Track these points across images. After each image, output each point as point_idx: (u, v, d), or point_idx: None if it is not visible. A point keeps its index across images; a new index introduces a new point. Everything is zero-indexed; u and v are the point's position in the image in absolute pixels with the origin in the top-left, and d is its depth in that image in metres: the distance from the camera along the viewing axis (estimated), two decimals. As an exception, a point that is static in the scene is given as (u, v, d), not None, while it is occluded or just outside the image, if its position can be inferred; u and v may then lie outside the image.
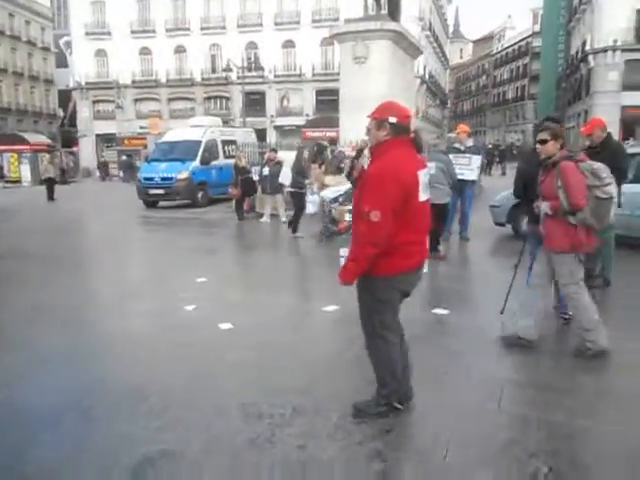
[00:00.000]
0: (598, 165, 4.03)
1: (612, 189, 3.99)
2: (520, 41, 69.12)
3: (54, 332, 5.04)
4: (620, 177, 5.24)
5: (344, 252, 7.62)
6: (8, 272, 7.80)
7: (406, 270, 3.07)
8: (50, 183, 20.62)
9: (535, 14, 65.50)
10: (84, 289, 6.88)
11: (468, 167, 9.04)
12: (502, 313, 4.96)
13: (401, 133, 3.03)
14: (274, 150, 12.95)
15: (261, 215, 12.91)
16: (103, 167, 37.08)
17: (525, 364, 4.19)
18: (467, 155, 9.08)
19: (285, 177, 11.50)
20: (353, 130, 15.04)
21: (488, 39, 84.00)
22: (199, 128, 17.63)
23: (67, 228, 13.33)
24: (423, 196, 3.05)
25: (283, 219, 12.31)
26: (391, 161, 2.95)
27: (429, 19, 45.83)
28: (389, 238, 2.90)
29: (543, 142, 4.13)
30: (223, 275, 7.56)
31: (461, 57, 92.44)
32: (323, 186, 11.73)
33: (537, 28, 64.04)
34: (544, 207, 4.14)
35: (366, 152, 3.33)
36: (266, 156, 12.75)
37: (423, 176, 3.07)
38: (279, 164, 12.38)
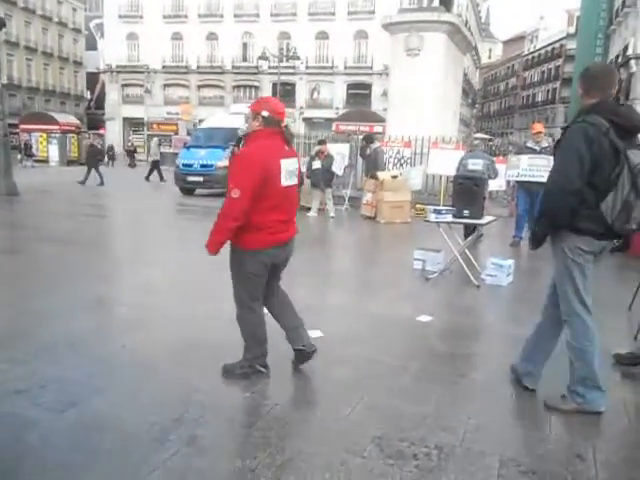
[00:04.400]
0: None
1: None
2: (553, 43, 67.68)
3: (114, 334, 4.57)
4: None
5: (419, 254, 7.15)
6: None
7: (272, 244, 3.45)
8: (155, 165, 21.74)
9: (570, 15, 64.08)
10: (140, 287, 6.42)
11: (547, 168, 8.43)
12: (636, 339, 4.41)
13: (271, 125, 3.39)
14: (323, 142, 12.42)
15: (307, 209, 12.41)
16: (128, 153, 36.11)
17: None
18: (544, 156, 8.47)
19: (338, 167, 11.09)
20: (402, 124, 14.51)
21: (519, 39, 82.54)
22: (240, 115, 17.11)
23: (107, 214, 12.96)
24: (285, 182, 3.43)
25: (331, 214, 11.82)
26: (257, 148, 3.34)
27: (465, 16, 44.89)
28: (247, 213, 3.28)
29: None
30: (289, 274, 6.96)
31: (489, 57, 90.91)
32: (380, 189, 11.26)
33: (572, 30, 62.71)
34: None
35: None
36: (316, 149, 12.22)
37: (288, 164, 3.43)
38: (330, 157, 11.89)
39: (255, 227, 3.35)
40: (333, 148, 12.75)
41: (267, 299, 3.79)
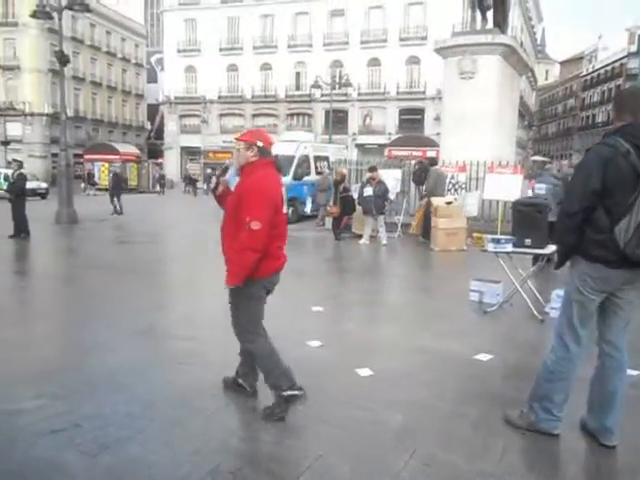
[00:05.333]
0: None
1: None
2: (614, 62, 65.49)
3: (158, 370, 4.42)
4: None
5: (476, 286, 6.74)
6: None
7: (274, 271, 3.54)
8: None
9: (631, 34, 62.03)
10: (191, 318, 6.30)
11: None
12: None
13: (265, 155, 3.46)
14: (374, 169, 12.19)
15: (359, 236, 12.16)
16: (189, 181, 36.92)
17: None
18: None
19: (391, 192, 10.93)
20: (456, 149, 14.11)
21: (577, 60, 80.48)
22: (292, 143, 17.20)
23: (161, 241, 13.15)
24: (284, 209, 3.56)
25: (384, 241, 11.52)
26: (263, 178, 3.39)
27: (520, 38, 44.10)
28: (266, 244, 3.32)
29: None
30: (339, 304, 6.81)
31: (546, 78, 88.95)
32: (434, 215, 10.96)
33: (633, 48, 60.59)
34: None
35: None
36: (367, 175, 12.01)
37: (283, 192, 3.56)
38: (382, 184, 11.66)
39: (266, 255, 3.38)
40: (385, 174, 12.52)
41: None
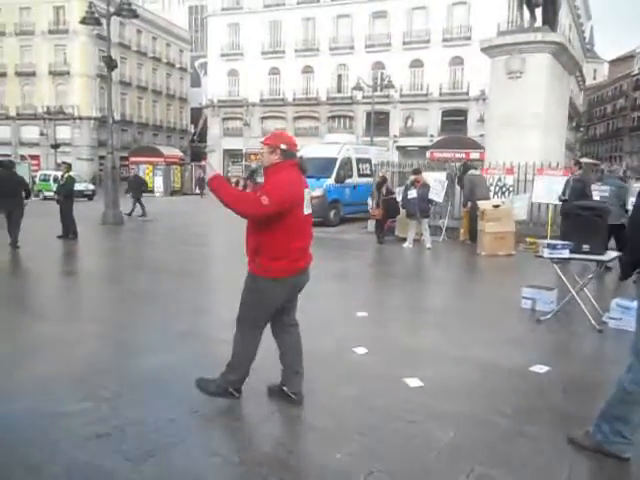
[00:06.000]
0: None
1: None
2: (668, 60, 62.90)
3: (202, 373, 4.33)
4: None
5: (528, 292, 6.45)
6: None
7: (294, 273, 3.51)
8: None
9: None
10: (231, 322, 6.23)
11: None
12: None
13: (289, 157, 3.50)
14: (418, 171, 11.93)
15: (402, 239, 11.92)
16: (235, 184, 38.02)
17: None
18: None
19: (437, 194, 10.67)
20: (502, 151, 13.69)
21: (628, 59, 77.63)
22: (335, 145, 17.09)
23: (206, 243, 13.23)
24: (306, 210, 3.54)
25: (428, 245, 11.26)
26: (286, 178, 3.41)
27: (569, 36, 42.81)
28: (257, 221, 3.39)
29: None
30: (384, 309, 6.64)
31: (594, 78, 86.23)
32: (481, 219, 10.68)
33: (689, 46, 58.07)
34: None
35: None
36: (411, 178, 11.77)
37: (306, 194, 3.55)
38: (427, 186, 11.40)
39: (279, 256, 3.42)
40: (430, 176, 12.25)
41: (280, 332, 3.77)
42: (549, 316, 5.93)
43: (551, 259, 5.73)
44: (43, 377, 4.15)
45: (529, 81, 13.89)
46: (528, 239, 10.58)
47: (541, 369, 4.43)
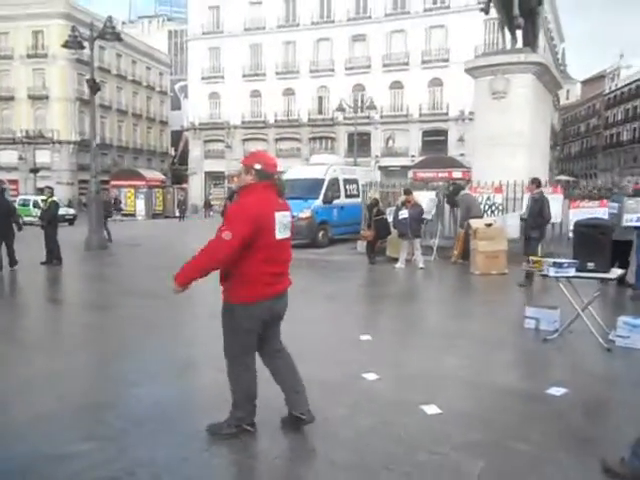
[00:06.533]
0: None
1: None
2: (637, 80, 64.75)
3: (208, 406, 4.14)
4: None
5: (532, 312, 6.38)
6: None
7: (264, 298, 3.37)
8: None
9: (656, 51, 61.37)
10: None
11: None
12: None
13: (264, 179, 3.37)
14: (409, 192, 11.91)
15: (394, 259, 11.84)
16: (209, 207, 38.88)
17: None
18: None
19: (428, 211, 10.75)
20: (489, 169, 13.78)
21: (599, 79, 79.82)
22: (321, 166, 17.05)
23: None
24: (279, 235, 3.37)
25: (420, 265, 11.18)
26: (252, 201, 3.31)
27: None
28: (231, 260, 3.24)
29: None
30: (388, 332, 6.50)
31: (567, 98, 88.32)
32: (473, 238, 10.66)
33: (659, 66, 59.92)
34: None
35: None
36: (401, 198, 11.74)
37: (281, 217, 3.39)
38: (418, 206, 11.38)
39: (249, 280, 3.31)
40: (420, 196, 12.26)
41: (269, 359, 3.66)
42: (555, 335, 5.85)
43: (557, 278, 5.67)
44: (40, 415, 3.91)
45: (513, 101, 14.05)
46: (532, 258, 10.56)
47: (557, 391, 4.31)
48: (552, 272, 5.56)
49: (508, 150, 13.69)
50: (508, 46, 15.71)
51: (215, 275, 3.40)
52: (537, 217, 9.28)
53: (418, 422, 3.78)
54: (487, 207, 12.86)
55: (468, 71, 15.24)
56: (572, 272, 5.53)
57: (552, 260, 5.71)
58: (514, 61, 14.18)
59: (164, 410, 3.99)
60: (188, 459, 3.26)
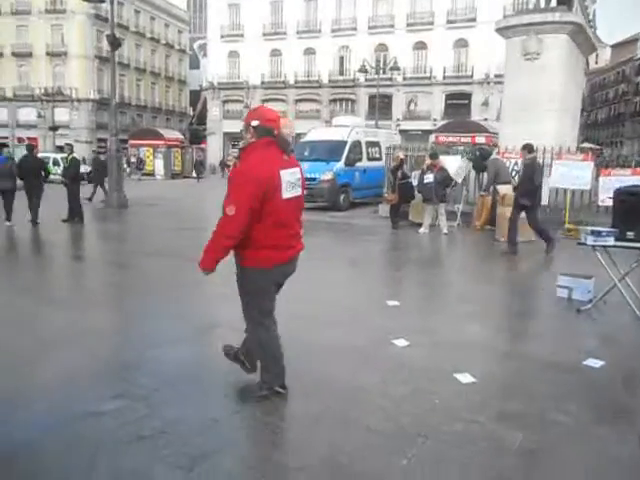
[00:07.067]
0: None
1: None
2: (672, 45, 62.26)
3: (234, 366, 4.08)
4: None
5: (564, 281, 6.20)
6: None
7: (279, 262, 3.28)
8: None
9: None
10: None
11: None
12: None
13: (264, 135, 3.16)
14: (436, 156, 11.60)
15: (417, 224, 11.65)
16: (225, 167, 38.25)
17: None
18: None
19: (458, 175, 10.52)
20: (517, 135, 13.34)
21: (630, 43, 76.80)
22: (344, 128, 16.71)
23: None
24: (287, 194, 3.18)
25: (444, 230, 10.99)
26: (253, 162, 3.12)
27: (575, 19, 42.16)
28: (243, 231, 3.10)
29: None
30: (414, 298, 6.39)
31: (596, 62, 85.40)
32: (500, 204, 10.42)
33: (694, 30, 57.36)
34: None
35: None
36: (427, 162, 11.45)
37: (288, 175, 3.19)
38: (444, 170, 11.10)
39: (260, 245, 3.19)
40: (447, 160, 11.95)
41: None
42: (589, 306, 5.68)
43: (593, 247, 5.47)
44: (69, 372, 3.88)
45: (547, 62, 13.51)
46: (568, 226, 10.35)
47: (596, 363, 4.18)
48: (590, 240, 5.36)
49: (538, 114, 13.24)
50: (542, 4, 15.06)
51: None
52: (527, 183, 8.98)
53: (452, 390, 3.69)
54: (514, 173, 12.52)
55: (499, 31, 14.64)
56: (611, 241, 5.33)
57: (590, 228, 5.49)
58: (548, 20, 13.57)
59: (191, 371, 3.94)
60: (218, 420, 3.21)
